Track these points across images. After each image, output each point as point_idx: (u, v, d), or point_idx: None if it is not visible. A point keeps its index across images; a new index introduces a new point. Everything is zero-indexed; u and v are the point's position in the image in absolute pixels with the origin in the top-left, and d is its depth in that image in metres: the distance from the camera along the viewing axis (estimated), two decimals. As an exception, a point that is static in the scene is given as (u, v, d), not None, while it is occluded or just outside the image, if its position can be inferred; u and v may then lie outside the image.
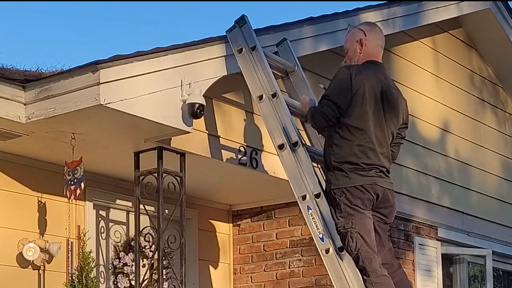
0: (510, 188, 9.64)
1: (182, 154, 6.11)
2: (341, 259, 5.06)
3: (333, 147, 5.12)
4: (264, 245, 7.60)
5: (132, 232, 6.71)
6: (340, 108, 5.09)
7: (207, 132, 6.26)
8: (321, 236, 5.14)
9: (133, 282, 6.38)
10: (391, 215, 5.24)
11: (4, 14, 19.24)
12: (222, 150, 6.36)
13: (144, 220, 6.13)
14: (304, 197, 5.24)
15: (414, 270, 8.02)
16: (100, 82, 5.23)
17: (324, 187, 5.22)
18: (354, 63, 5.27)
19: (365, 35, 5.26)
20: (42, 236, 6.19)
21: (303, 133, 5.82)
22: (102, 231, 6.78)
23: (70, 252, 6.06)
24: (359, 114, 5.05)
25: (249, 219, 7.72)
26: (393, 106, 5.22)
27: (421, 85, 8.53)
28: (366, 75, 5.11)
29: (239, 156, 6.48)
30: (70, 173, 5.81)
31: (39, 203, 6.25)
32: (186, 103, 5.63)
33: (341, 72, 5.18)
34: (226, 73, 6.00)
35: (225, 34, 5.90)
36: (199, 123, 6.05)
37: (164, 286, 6.17)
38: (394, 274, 5.15)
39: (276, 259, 7.51)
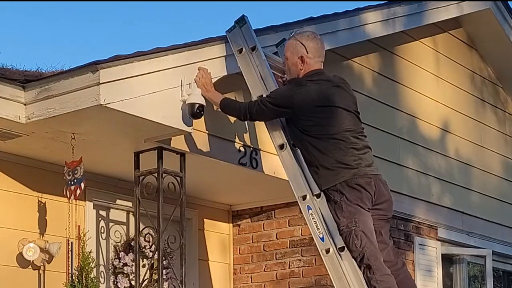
0: (510, 188, 9.64)
1: (182, 154, 6.11)
2: (341, 258, 5.06)
3: (314, 155, 5.19)
4: (264, 245, 7.60)
5: (132, 232, 6.71)
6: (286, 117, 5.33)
7: (207, 132, 6.26)
8: (321, 236, 5.14)
9: (133, 282, 6.38)
10: (390, 210, 5.27)
11: (4, 15, 19.25)
12: (222, 150, 6.36)
13: (144, 220, 6.12)
14: (304, 197, 5.25)
15: (414, 270, 8.02)
16: (100, 82, 5.22)
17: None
18: (294, 76, 5.42)
19: (307, 52, 5.36)
20: (42, 236, 6.19)
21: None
22: (102, 231, 6.78)
23: (70, 252, 6.06)
24: (331, 121, 5.15)
25: (249, 219, 7.72)
26: (350, 100, 5.32)
27: (421, 85, 8.53)
28: (314, 84, 5.24)
29: (239, 156, 6.48)
30: (70, 173, 5.81)
31: (39, 203, 6.25)
32: (186, 103, 5.63)
33: (285, 88, 5.39)
34: (226, 73, 5.99)
35: (225, 34, 5.90)
36: (199, 123, 6.05)
37: (164, 286, 6.17)
38: (398, 272, 5.17)
39: (276, 259, 7.51)
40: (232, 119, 6.48)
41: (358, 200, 5.04)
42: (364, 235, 4.98)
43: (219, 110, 5.73)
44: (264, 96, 5.49)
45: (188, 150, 6.10)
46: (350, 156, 5.09)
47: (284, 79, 5.75)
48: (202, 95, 5.65)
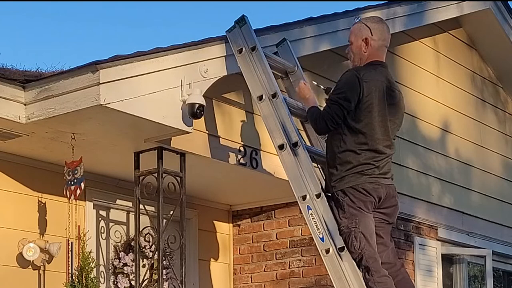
0: (510, 188, 9.64)
1: (182, 154, 6.11)
2: (341, 259, 5.06)
3: (336, 150, 5.12)
4: (264, 245, 7.60)
5: (132, 232, 6.71)
6: (347, 113, 5.08)
7: (207, 132, 6.26)
8: (321, 236, 5.14)
9: (133, 282, 6.38)
10: (394, 215, 5.25)
11: (4, 15, 19.26)
12: (222, 150, 6.36)
13: (144, 220, 6.13)
14: (304, 197, 5.24)
15: (414, 270, 8.02)
16: (100, 82, 5.23)
17: (324, 187, 5.22)
18: (357, 62, 5.28)
19: (371, 35, 5.24)
20: (42, 236, 6.19)
21: (303, 133, 5.82)
22: (102, 231, 6.78)
23: (70, 252, 6.07)
24: (367, 120, 5.06)
25: (249, 219, 7.72)
26: (397, 109, 5.25)
27: (421, 85, 8.53)
28: (375, 80, 5.11)
29: (239, 156, 6.48)
30: (70, 173, 5.81)
31: (39, 203, 6.25)
32: (186, 103, 5.63)
33: (350, 76, 5.16)
34: (226, 73, 5.99)
35: (225, 34, 5.90)
36: (199, 123, 6.05)
37: (164, 286, 6.17)
38: (397, 273, 5.16)
39: (276, 259, 7.51)
40: (231, 119, 6.49)
41: (360, 203, 5.02)
42: (363, 237, 4.97)
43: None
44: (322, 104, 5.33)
45: (188, 150, 6.10)
46: (367, 164, 5.05)
47: (285, 78, 5.75)
48: (301, 95, 5.52)
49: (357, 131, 5.06)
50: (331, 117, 5.13)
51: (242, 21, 5.83)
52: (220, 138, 6.37)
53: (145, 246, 6.43)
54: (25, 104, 5.53)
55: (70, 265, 6.06)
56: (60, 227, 6.10)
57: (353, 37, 5.33)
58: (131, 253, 6.64)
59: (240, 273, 7.69)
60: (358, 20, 5.37)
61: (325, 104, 5.26)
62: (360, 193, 5.02)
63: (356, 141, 5.06)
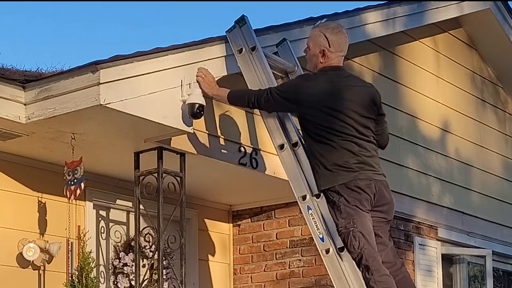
0: (510, 188, 9.64)
1: (182, 154, 6.11)
2: (341, 259, 5.06)
3: (317, 157, 5.16)
4: (264, 245, 7.60)
5: (132, 232, 6.71)
6: (289, 111, 5.34)
7: (207, 132, 6.26)
8: (321, 236, 5.14)
9: (133, 282, 6.38)
10: (390, 212, 5.25)
11: (4, 15, 19.26)
12: (222, 150, 6.36)
13: (144, 220, 6.12)
14: (304, 197, 5.24)
15: (414, 270, 8.02)
16: (100, 82, 5.22)
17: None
18: (312, 68, 5.40)
19: (329, 46, 5.30)
20: (42, 236, 6.19)
21: (303, 133, 5.82)
22: (102, 231, 6.78)
23: (70, 252, 6.06)
24: (335, 123, 5.10)
25: (249, 219, 7.72)
26: (364, 103, 5.24)
27: (421, 85, 8.53)
28: (330, 81, 5.19)
29: (239, 156, 6.48)
30: (70, 173, 5.81)
31: (39, 203, 6.25)
32: (186, 103, 5.63)
33: (306, 79, 5.30)
34: (226, 73, 5.99)
35: (225, 34, 5.90)
36: (199, 123, 6.05)
37: (164, 286, 6.17)
38: (397, 273, 5.17)
39: (276, 259, 7.51)
40: (231, 119, 6.49)
41: (356, 202, 5.03)
42: (362, 236, 4.97)
43: (229, 104, 5.72)
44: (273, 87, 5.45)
45: (188, 150, 6.10)
46: (352, 159, 5.06)
47: (285, 79, 5.75)
48: (207, 93, 5.64)
49: (336, 131, 5.09)
50: (268, 105, 5.36)
51: (242, 21, 5.83)
52: (220, 138, 6.37)
53: (145, 246, 6.43)
54: (25, 104, 5.53)
55: (70, 265, 6.06)
56: (60, 227, 6.10)
57: (311, 43, 5.41)
58: (131, 253, 6.64)
59: (240, 273, 7.69)
60: (317, 25, 5.44)
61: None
62: (354, 192, 5.03)
63: (333, 148, 5.09)
